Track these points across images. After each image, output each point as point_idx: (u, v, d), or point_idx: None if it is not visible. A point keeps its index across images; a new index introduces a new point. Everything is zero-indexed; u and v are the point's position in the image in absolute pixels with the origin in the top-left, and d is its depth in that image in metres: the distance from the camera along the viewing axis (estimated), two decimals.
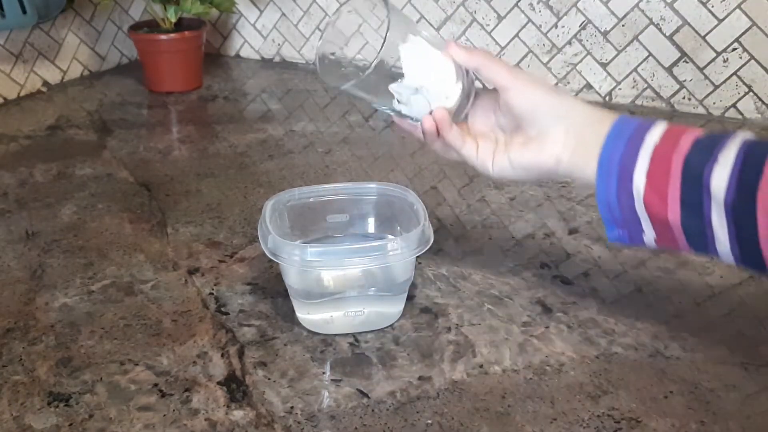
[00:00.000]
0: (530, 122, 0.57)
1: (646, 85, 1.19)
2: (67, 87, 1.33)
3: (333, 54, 0.62)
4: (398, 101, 0.60)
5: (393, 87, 0.59)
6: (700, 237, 0.51)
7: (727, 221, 0.49)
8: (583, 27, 1.20)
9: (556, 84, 1.25)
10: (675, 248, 0.54)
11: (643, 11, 1.15)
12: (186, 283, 0.70)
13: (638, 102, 1.21)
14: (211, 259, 0.74)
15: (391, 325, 0.64)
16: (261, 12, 1.47)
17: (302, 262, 0.58)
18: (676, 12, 1.13)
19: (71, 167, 0.98)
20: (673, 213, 0.51)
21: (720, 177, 0.48)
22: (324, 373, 0.58)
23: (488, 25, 1.27)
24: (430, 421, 0.53)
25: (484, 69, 0.59)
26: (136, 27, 1.32)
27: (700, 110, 1.17)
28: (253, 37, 1.50)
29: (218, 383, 0.57)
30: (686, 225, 0.51)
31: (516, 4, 1.24)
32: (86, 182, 0.93)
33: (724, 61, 1.12)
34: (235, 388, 0.56)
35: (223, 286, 0.70)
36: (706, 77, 1.15)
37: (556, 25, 1.22)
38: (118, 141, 1.07)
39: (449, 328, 0.63)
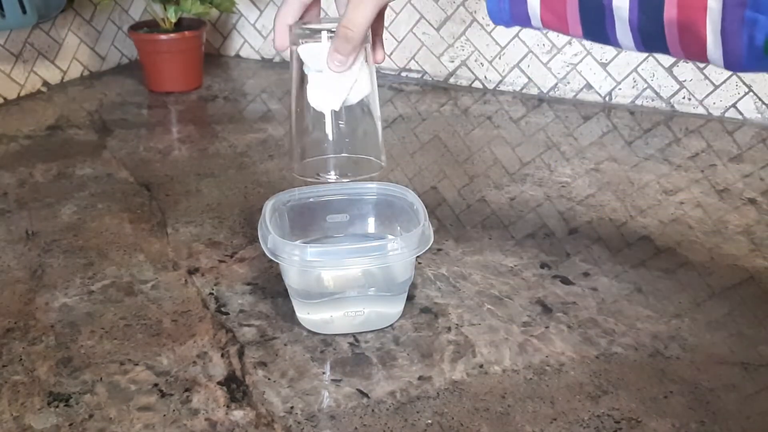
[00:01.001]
0: None
1: (646, 85, 1.19)
2: (67, 87, 1.33)
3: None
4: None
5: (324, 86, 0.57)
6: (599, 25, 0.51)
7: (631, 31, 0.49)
8: None
9: (556, 84, 1.25)
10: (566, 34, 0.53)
11: None
12: (186, 283, 0.70)
13: (638, 102, 1.21)
14: (211, 259, 0.74)
15: (391, 325, 0.64)
16: (261, 12, 1.47)
17: (302, 262, 0.58)
18: None
19: (71, 167, 0.98)
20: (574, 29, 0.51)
21: None
22: (324, 373, 0.58)
23: (488, 25, 1.27)
24: (430, 421, 0.53)
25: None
26: (136, 27, 1.32)
27: (700, 110, 1.17)
28: (253, 37, 1.50)
29: (218, 383, 0.57)
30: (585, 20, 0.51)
31: None
32: (86, 182, 0.93)
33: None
34: (235, 388, 0.56)
35: (223, 286, 0.70)
36: (706, 77, 1.15)
37: None
38: (118, 141, 1.07)
39: (449, 328, 0.63)
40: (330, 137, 0.59)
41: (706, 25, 0.46)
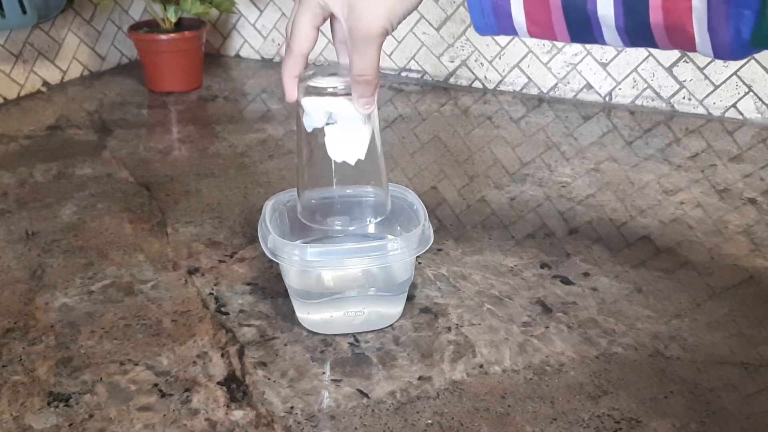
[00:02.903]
0: None
1: (646, 85, 1.19)
2: (67, 87, 1.33)
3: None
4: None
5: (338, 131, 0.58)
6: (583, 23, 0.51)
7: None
8: None
9: (556, 84, 1.25)
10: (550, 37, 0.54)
11: None
12: (186, 283, 0.70)
13: (638, 102, 1.21)
14: (211, 259, 0.74)
15: (391, 325, 0.64)
16: (261, 12, 1.47)
17: (302, 262, 0.58)
18: None
19: (71, 167, 0.98)
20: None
21: None
22: (324, 373, 0.58)
23: None
24: (430, 421, 0.53)
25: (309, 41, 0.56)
26: (136, 27, 1.32)
27: (700, 110, 1.17)
28: (253, 37, 1.50)
29: (218, 383, 0.57)
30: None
31: None
32: (86, 182, 0.93)
33: (724, 61, 1.12)
34: (235, 388, 0.56)
35: (223, 286, 0.70)
36: (706, 77, 1.15)
37: None
38: (118, 141, 1.07)
39: (449, 328, 0.63)
40: (335, 182, 0.60)
41: (692, 24, 0.47)
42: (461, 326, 0.63)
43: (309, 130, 0.58)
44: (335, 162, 0.58)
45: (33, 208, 0.86)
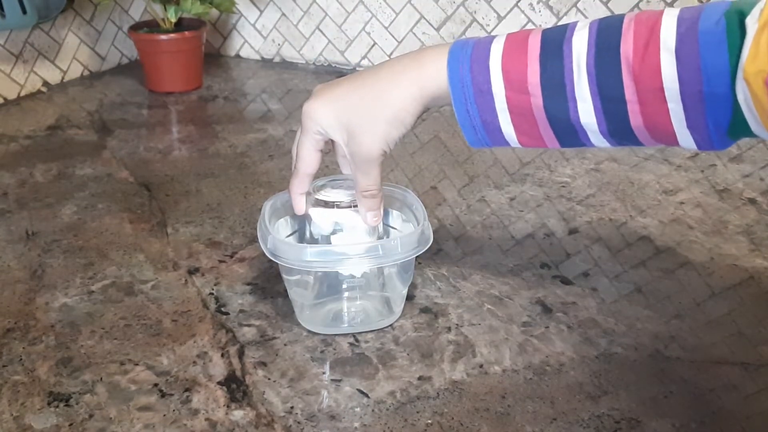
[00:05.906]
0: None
1: None
2: (68, 87, 1.33)
3: None
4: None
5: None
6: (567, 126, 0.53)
7: (591, 92, 0.50)
8: None
9: None
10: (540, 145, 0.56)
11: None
12: (186, 283, 0.70)
13: None
14: (211, 259, 0.74)
15: (391, 325, 0.64)
16: (261, 12, 1.47)
17: (302, 262, 0.58)
18: None
19: (71, 167, 0.98)
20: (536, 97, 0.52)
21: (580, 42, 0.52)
22: (324, 373, 0.58)
23: (488, 25, 1.27)
24: (430, 421, 0.53)
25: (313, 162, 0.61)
26: (136, 27, 1.32)
27: None
28: (253, 37, 1.50)
29: (218, 383, 0.57)
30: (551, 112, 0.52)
31: (516, 4, 1.24)
32: (86, 182, 0.93)
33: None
34: (235, 388, 0.56)
35: (223, 286, 0.70)
36: None
37: (556, 25, 1.22)
38: (118, 141, 1.07)
39: (449, 328, 0.63)
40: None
41: (672, 124, 0.49)
42: (461, 326, 0.64)
43: (316, 238, 0.62)
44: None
45: (33, 208, 0.86)
